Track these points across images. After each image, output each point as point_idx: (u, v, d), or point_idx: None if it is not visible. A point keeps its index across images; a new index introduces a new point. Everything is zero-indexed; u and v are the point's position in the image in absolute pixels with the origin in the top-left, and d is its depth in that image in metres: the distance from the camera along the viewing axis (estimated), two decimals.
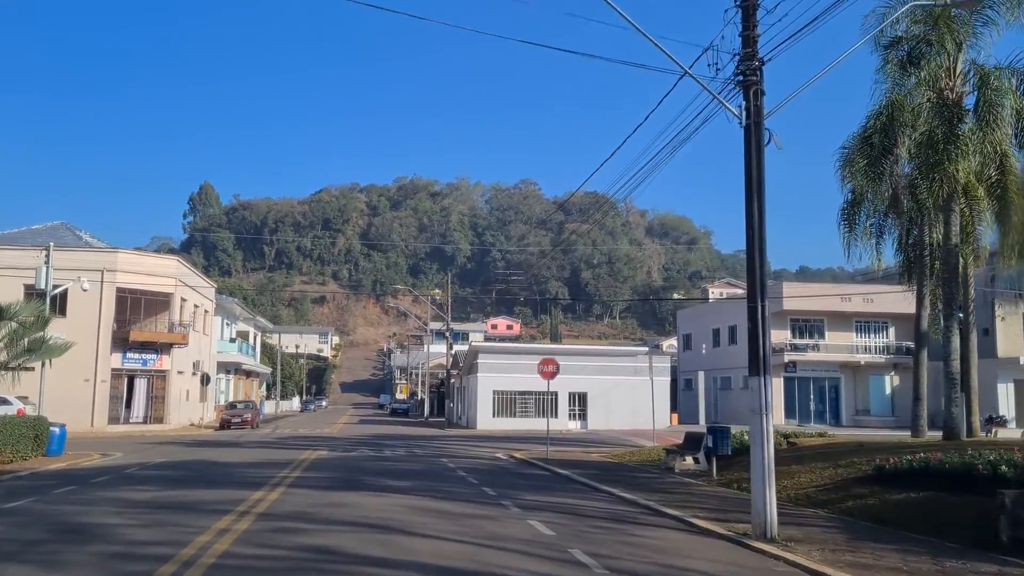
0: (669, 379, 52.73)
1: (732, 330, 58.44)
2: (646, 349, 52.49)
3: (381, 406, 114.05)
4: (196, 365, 50.32)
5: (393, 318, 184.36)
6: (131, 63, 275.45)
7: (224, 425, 46.80)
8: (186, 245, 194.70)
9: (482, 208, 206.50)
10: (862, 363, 52.35)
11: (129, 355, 44.13)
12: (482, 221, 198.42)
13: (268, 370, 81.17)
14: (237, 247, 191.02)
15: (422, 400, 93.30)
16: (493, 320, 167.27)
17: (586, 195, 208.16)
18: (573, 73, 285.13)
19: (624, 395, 51.99)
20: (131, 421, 44.55)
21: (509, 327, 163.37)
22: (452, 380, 58.34)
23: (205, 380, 47.10)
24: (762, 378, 12.05)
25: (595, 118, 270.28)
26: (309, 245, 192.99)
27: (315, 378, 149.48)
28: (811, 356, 52.20)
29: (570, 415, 51.77)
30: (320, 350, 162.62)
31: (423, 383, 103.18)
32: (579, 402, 51.91)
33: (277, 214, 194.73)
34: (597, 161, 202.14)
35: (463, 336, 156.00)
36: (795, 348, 52.24)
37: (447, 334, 53.52)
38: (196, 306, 52.04)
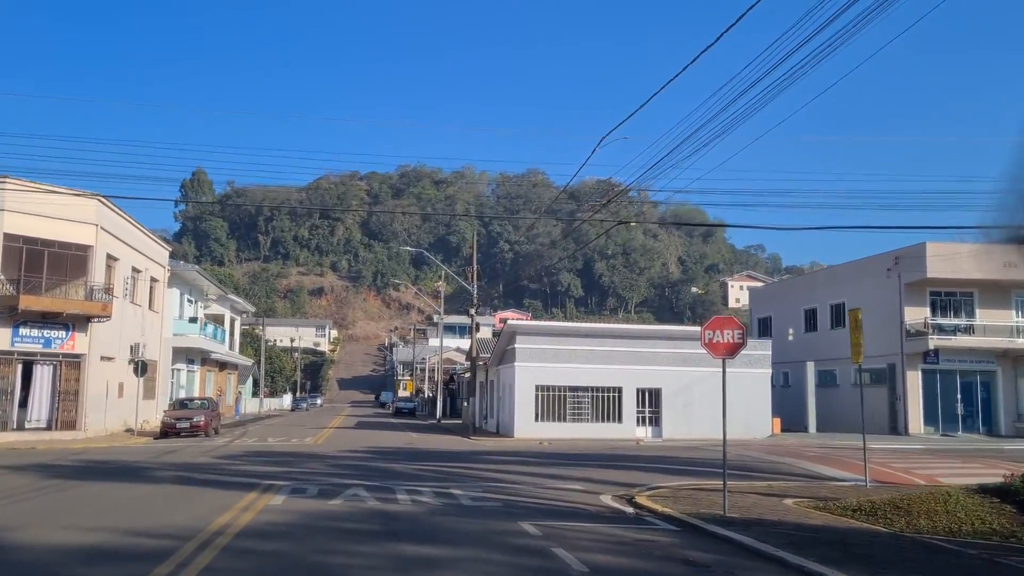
0: (770, 371, 38.60)
1: (837, 310, 44.31)
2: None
3: (382, 404, 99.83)
4: (135, 350, 36.10)
5: (395, 311, 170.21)
6: (127, 55, 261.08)
7: (166, 432, 32.65)
8: (177, 234, 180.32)
9: (488, 197, 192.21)
10: None
11: (22, 331, 29.92)
12: (489, 210, 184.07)
13: (249, 362, 66.83)
14: (231, 236, 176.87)
15: (430, 398, 79.17)
16: (501, 314, 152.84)
17: (598, 183, 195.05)
18: (580, 58, 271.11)
19: (710, 392, 37.62)
20: (28, 426, 30.34)
21: (495, 335, 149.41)
22: (475, 373, 44.00)
23: (140, 369, 32.92)
24: None
25: (608, 105, 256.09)
26: (307, 234, 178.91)
27: (311, 374, 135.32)
28: (960, 341, 38.08)
29: (639, 419, 37.64)
30: (317, 344, 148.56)
31: (429, 378, 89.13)
32: (650, 401, 37.79)
33: (273, 202, 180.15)
34: (609, 149, 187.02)
35: (468, 330, 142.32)
36: (940, 330, 38.08)
37: (472, 311, 39.48)
38: (137, 271, 37.82)
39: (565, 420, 37.19)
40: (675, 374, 37.66)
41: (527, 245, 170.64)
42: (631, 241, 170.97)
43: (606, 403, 37.35)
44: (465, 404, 58.24)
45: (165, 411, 34.80)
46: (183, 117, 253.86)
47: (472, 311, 39.88)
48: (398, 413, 69.59)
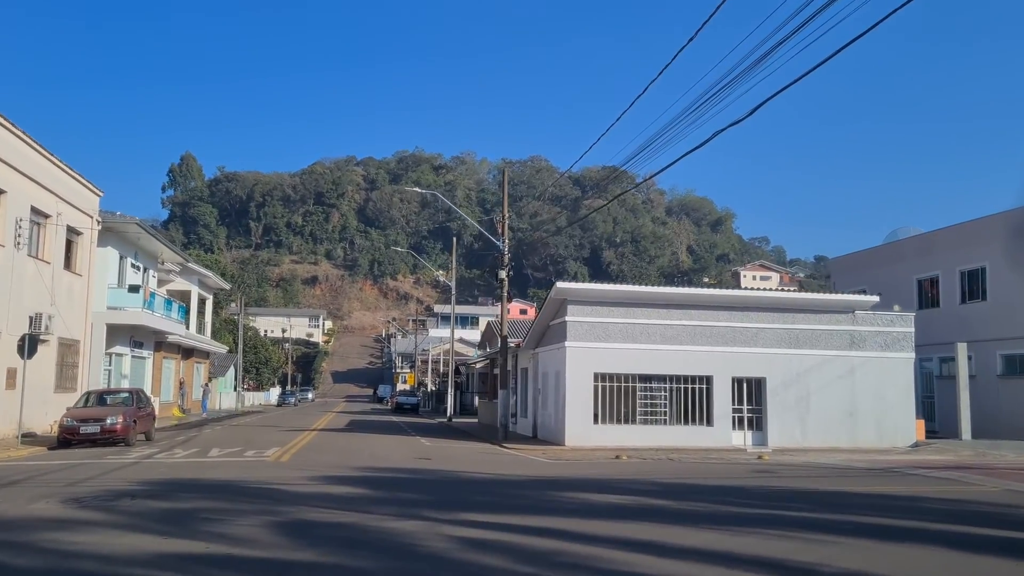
0: (914, 355, 27.77)
1: (972, 277, 33.51)
2: (874, 298, 27.47)
3: (380, 399, 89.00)
4: (36, 322, 25.21)
5: (393, 301, 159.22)
6: (118, 46, 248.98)
7: (66, 439, 21.75)
8: (165, 222, 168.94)
9: (490, 184, 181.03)
10: None
11: None
12: (491, 197, 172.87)
13: (224, 350, 55.80)
14: (220, 223, 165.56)
15: (434, 392, 68.31)
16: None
17: (603, 169, 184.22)
18: (580, 43, 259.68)
19: (831, 384, 27.00)
20: None
21: (523, 312, 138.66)
22: (505, 358, 32.74)
23: (28, 348, 21.90)
24: None
25: (611, 91, 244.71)
26: (300, 221, 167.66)
27: (303, 366, 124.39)
28: None
29: (735, 421, 26.81)
30: (310, 335, 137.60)
31: (433, 371, 78.29)
32: (750, 395, 26.97)
33: (265, 187, 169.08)
34: (612, 135, 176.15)
35: (472, 320, 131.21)
36: None
37: (503, 272, 28.40)
38: (43, 214, 26.89)
39: (635, 421, 26.33)
40: (784, 359, 26.84)
41: (531, 232, 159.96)
42: (640, 228, 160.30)
43: (691, 398, 26.52)
44: (478, 399, 47.36)
45: (69, 409, 23.73)
46: (171, 97, 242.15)
47: (502, 273, 28.92)
48: (399, 409, 58.74)
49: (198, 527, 9.17)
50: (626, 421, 26.29)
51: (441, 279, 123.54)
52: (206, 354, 51.65)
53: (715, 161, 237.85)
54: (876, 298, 27.35)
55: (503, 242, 29.64)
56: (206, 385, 47.71)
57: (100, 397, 24.83)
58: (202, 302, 50.38)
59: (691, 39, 13.52)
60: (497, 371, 33.69)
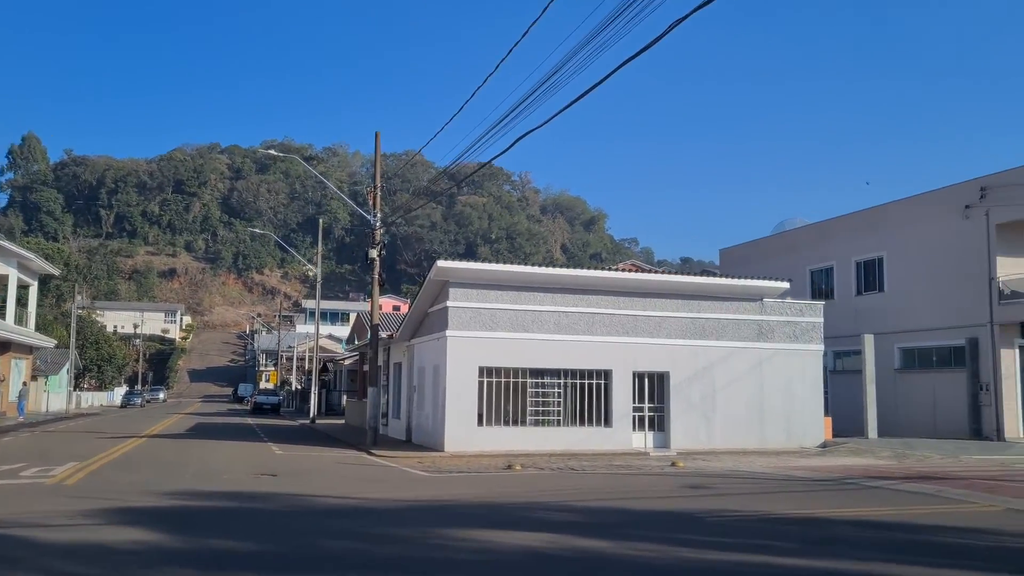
0: (822, 348, 25.39)
1: (870, 267, 31.84)
2: (784, 284, 24.89)
3: (240, 398, 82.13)
4: None
5: (259, 296, 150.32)
6: None
7: None
8: (3, 208, 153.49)
9: (363, 176, 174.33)
10: None
11: None
12: (365, 190, 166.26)
13: (51, 344, 48.59)
14: (67, 210, 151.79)
15: (299, 391, 62.88)
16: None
17: (480, 165, 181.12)
18: (456, 39, 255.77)
19: (739, 378, 24.27)
20: None
21: (396, 308, 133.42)
22: (376, 351, 28.09)
23: None
24: None
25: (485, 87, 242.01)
26: (157, 210, 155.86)
27: (158, 364, 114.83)
28: None
29: (636, 420, 23.59)
30: (166, 331, 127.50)
31: (298, 369, 72.59)
32: (652, 392, 23.85)
33: (118, 173, 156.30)
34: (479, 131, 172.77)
35: (343, 317, 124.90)
36: None
37: (374, 251, 24.11)
38: None
39: (525, 423, 22.70)
40: (689, 351, 23.87)
41: (405, 227, 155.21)
42: (515, 225, 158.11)
43: (588, 395, 23.14)
44: (346, 399, 42.67)
45: None
46: (11, 75, 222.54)
47: (373, 252, 24.62)
48: (257, 410, 53.06)
49: None
50: (515, 422, 22.62)
51: (311, 273, 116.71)
52: (28, 348, 44.58)
53: (588, 162, 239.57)
54: (787, 284, 24.80)
55: (375, 216, 25.38)
56: (25, 384, 40.85)
57: None
58: (23, 288, 43.37)
59: (525, 33, 10.02)
60: (368, 367, 29.30)
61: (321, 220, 59.48)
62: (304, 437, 29.36)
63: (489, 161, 22.30)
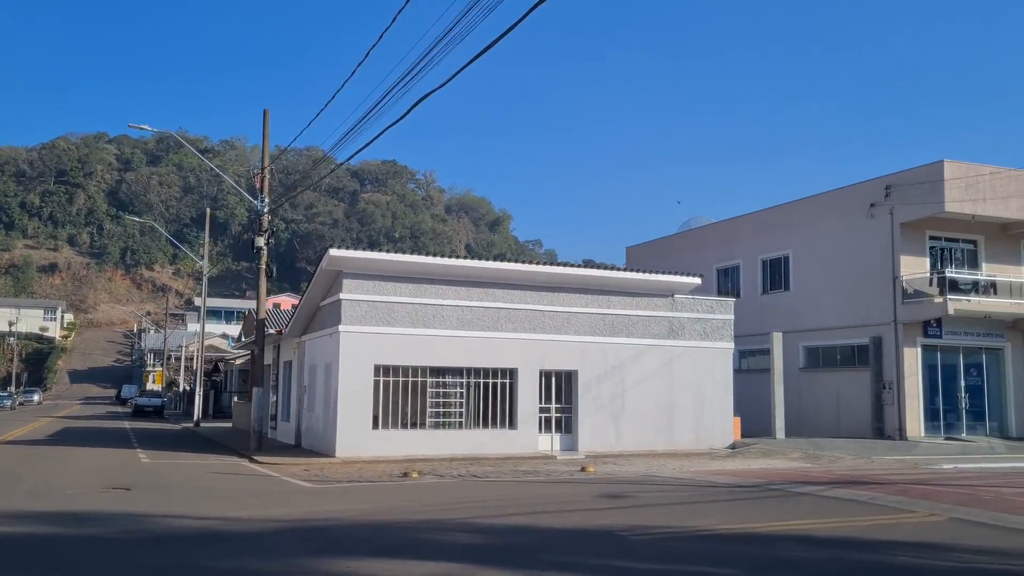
0: (732, 346, 24.54)
1: (776, 266, 31.44)
2: (696, 280, 23.88)
3: (124, 400, 76.96)
4: None
5: (148, 293, 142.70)
6: None
7: None
8: None
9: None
10: None
11: None
12: (250, 172, 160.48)
13: None
14: None
15: (186, 393, 59.09)
16: (275, 298, 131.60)
17: (383, 164, 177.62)
18: (356, 32, 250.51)
19: (649, 377, 23.18)
20: None
21: (295, 307, 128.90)
22: (263, 348, 25.52)
23: None
24: None
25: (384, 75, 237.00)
26: (37, 201, 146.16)
27: (35, 364, 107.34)
28: (976, 305, 26.11)
29: (542, 421, 22.14)
30: (45, 329, 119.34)
31: (187, 369, 68.49)
32: (559, 392, 22.47)
33: None
34: (395, 133, 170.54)
35: (238, 315, 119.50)
36: (955, 288, 25.88)
37: (262, 240, 21.81)
38: None
39: (424, 425, 20.95)
40: (598, 349, 22.62)
41: (306, 224, 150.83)
42: (420, 224, 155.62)
43: (492, 395, 21.58)
44: (235, 400, 39.78)
45: None
46: None
47: (260, 240, 22.33)
48: (138, 413, 49.33)
49: None
50: (414, 425, 20.86)
51: (204, 272, 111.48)
52: None
53: (493, 162, 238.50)
54: (698, 280, 23.87)
55: (263, 201, 23.09)
56: None
57: None
58: None
59: (393, 20, 8.46)
60: (253, 366, 26.87)
61: (208, 209, 55.86)
62: (182, 443, 26.72)
63: (358, 152, 20.41)
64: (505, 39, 9.76)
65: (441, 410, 21.28)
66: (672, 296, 23.63)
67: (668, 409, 23.16)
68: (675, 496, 12.40)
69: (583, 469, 17.35)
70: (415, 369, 20.95)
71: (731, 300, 24.90)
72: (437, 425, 21.16)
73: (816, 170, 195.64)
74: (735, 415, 24.48)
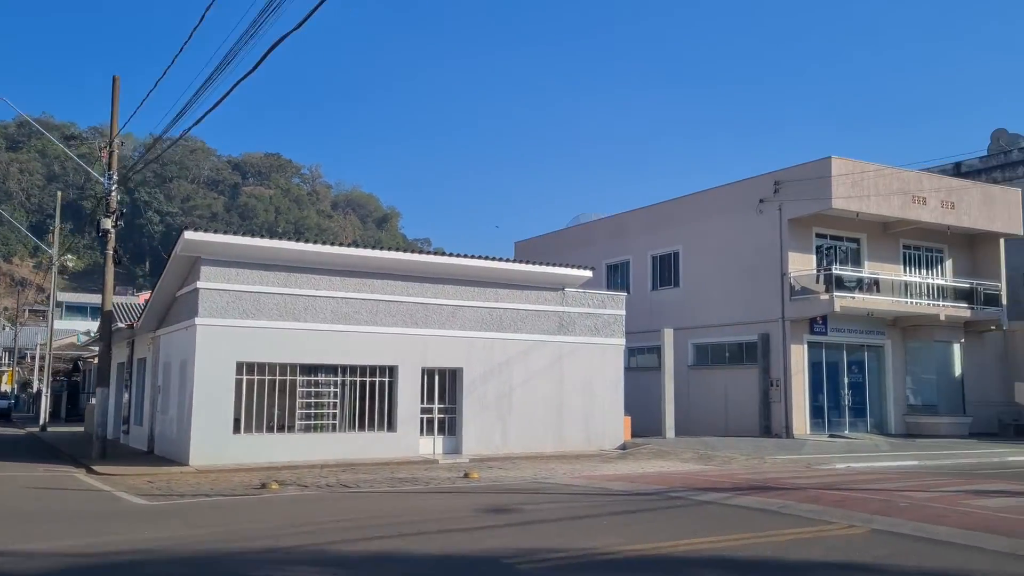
0: (624, 342, 23.46)
1: (666, 262, 30.78)
2: (587, 273, 22.64)
3: None
4: None
5: (6, 288, 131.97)
6: None
7: None
8: None
9: (135, 159, 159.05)
10: (942, 317, 27.19)
11: None
12: (135, 176, 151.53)
13: None
14: None
15: (40, 392, 53.99)
16: (147, 295, 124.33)
17: (266, 156, 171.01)
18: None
19: (539, 375, 21.82)
20: None
21: (146, 301, 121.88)
22: (110, 344, 22.50)
23: None
24: None
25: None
26: None
27: None
28: (860, 303, 26.01)
29: (425, 423, 20.39)
30: None
31: (42, 367, 62.90)
32: (443, 391, 20.77)
33: None
34: (272, 116, 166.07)
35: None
36: (840, 285, 25.66)
37: (110, 221, 19.21)
38: None
39: (293, 429, 18.85)
40: (485, 344, 21.08)
41: (182, 217, 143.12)
42: (304, 220, 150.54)
43: (369, 395, 19.69)
44: (90, 402, 36.13)
45: None
46: None
47: (107, 222, 19.64)
48: None
49: None
50: (281, 428, 18.74)
51: (70, 264, 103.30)
52: None
53: (381, 159, 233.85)
54: (589, 272, 22.66)
55: (110, 177, 20.35)
56: None
57: None
58: None
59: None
60: (99, 362, 23.92)
61: (60, 192, 51.26)
62: (17, 450, 23.51)
63: (221, 100, 18.22)
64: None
65: (313, 412, 19.22)
66: (562, 290, 22.34)
67: (557, 408, 21.86)
68: (569, 508, 10.95)
69: (466, 475, 15.72)
70: (284, 367, 18.82)
71: (623, 295, 23.84)
72: (308, 428, 19.11)
73: (713, 165, 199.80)
74: (625, 414, 23.44)
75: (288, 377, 18.88)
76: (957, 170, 33.54)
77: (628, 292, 30.40)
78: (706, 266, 28.78)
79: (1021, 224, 28.86)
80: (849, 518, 9.45)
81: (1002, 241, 29.30)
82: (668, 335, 25.20)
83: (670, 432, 24.46)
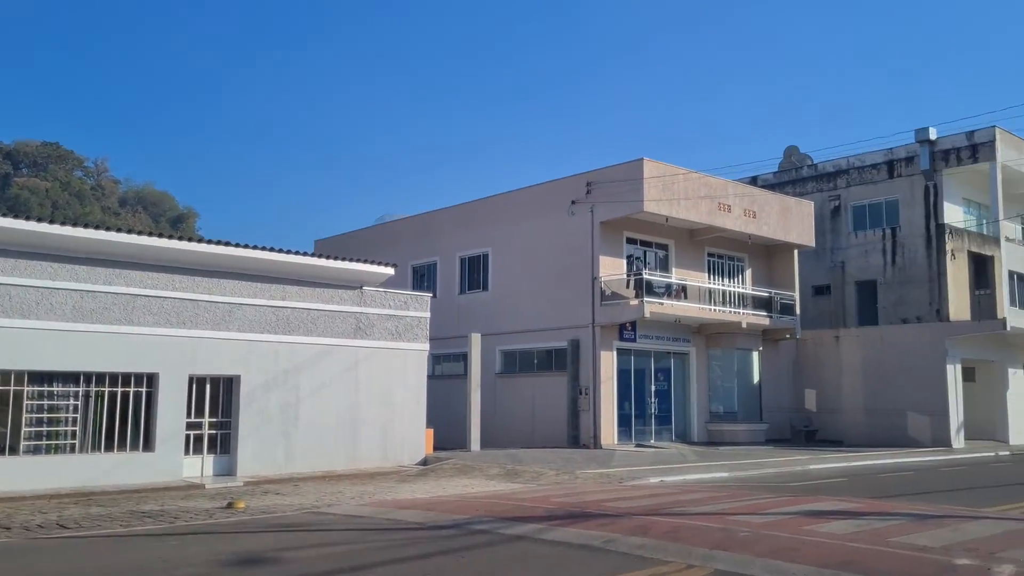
0: (427, 347, 21.32)
1: (475, 264, 29.09)
2: (389, 270, 20.29)
3: None
4: None
5: None
6: None
7: None
8: None
9: None
10: (744, 325, 27.16)
11: None
12: None
13: None
14: None
15: None
16: None
17: (44, 145, 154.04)
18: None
19: (331, 384, 19.30)
20: None
21: None
22: None
23: None
24: None
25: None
26: None
27: None
28: (670, 309, 25.47)
29: (192, 440, 17.23)
30: None
31: None
32: (216, 403, 17.71)
33: None
34: (53, 102, 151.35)
35: None
36: (650, 291, 24.96)
37: None
38: None
39: (17, 451, 15.16)
40: (268, 349, 18.28)
41: None
42: (87, 216, 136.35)
43: (121, 409, 16.32)
44: None
45: None
46: None
47: None
48: None
49: None
50: (3, 451, 14.96)
51: None
52: None
53: (177, 156, 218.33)
54: (391, 269, 20.40)
55: None
56: None
57: None
58: None
59: None
60: None
61: None
62: None
63: None
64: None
65: (45, 429, 15.60)
66: (361, 288, 19.93)
67: (352, 421, 19.38)
68: (342, 556, 8.59)
69: (230, 505, 12.93)
70: (7, 375, 15.09)
71: (427, 295, 21.73)
72: (38, 449, 15.47)
73: (527, 167, 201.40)
74: (429, 426, 21.33)
75: (12, 387, 15.15)
76: (754, 183, 34.39)
77: (435, 296, 28.45)
78: (517, 269, 27.38)
79: (813, 236, 29.82)
80: (687, 555, 7.85)
81: (796, 252, 30.12)
82: (476, 340, 23.38)
83: (475, 444, 22.63)
